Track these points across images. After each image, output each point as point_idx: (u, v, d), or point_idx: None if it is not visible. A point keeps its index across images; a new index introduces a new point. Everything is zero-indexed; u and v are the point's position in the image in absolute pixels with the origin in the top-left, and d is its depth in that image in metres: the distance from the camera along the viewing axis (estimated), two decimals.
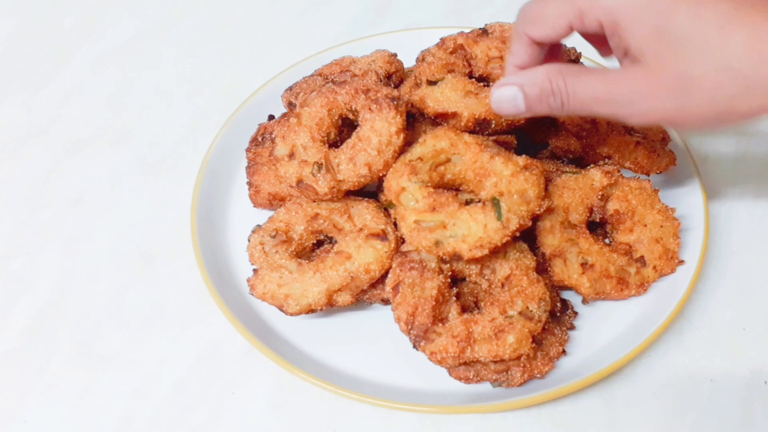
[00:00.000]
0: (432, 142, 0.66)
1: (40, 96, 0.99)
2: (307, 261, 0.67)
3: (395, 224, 0.67)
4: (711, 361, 0.67)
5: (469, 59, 0.76)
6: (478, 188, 0.65)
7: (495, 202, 0.61)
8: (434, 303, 0.61)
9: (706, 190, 0.74)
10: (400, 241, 0.66)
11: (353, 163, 0.65)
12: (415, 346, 0.62)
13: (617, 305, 0.69)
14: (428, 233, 0.61)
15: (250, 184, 0.76)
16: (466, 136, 0.66)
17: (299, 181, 0.66)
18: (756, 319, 0.69)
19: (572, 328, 0.66)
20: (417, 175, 0.63)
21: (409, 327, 0.61)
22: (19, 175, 0.88)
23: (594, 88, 0.54)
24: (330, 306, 0.66)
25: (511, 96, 0.57)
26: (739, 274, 0.73)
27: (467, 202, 0.62)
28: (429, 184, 0.63)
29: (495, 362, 0.61)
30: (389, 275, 0.64)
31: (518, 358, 0.61)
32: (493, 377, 0.62)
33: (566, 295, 0.69)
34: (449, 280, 0.63)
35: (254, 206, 0.77)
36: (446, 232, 0.61)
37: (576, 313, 0.67)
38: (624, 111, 0.54)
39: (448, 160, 0.65)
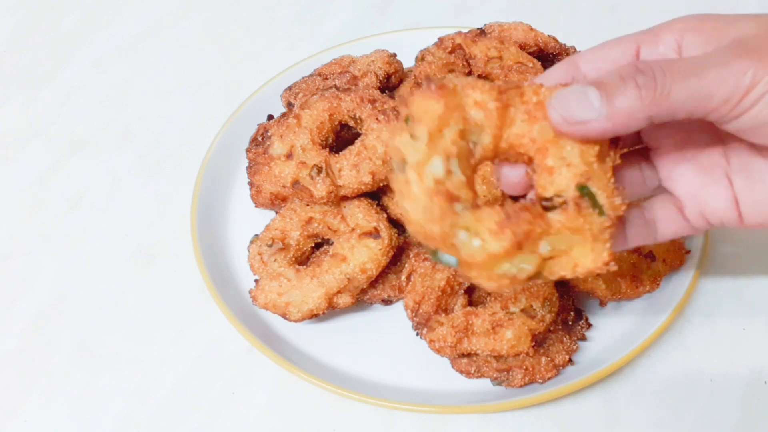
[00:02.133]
0: (439, 135, 0.41)
1: (40, 96, 0.99)
2: (305, 267, 0.67)
3: (389, 219, 0.68)
4: (711, 361, 0.66)
5: (467, 59, 0.76)
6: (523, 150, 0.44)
7: (585, 193, 0.43)
8: (440, 293, 0.62)
9: None
10: (395, 236, 0.67)
11: (357, 170, 0.65)
12: (417, 333, 0.62)
13: (617, 305, 0.69)
14: (525, 278, 0.43)
15: (251, 184, 0.76)
16: (467, 88, 0.42)
17: (295, 182, 0.66)
18: (756, 319, 0.69)
19: (583, 338, 0.66)
20: (460, 201, 0.41)
21: (414, 314, 0.62)
22: (19, 175, 0.89)
23: (691, 61, 0.41)
24: (331, 309, 0.66)
25: (579, 92, 0.41)
26: (739, 274, 0.73)
27: (546, 207, 0.43)
28: (481, 200, 0.42)
29: (497, 360, 0.62)
30: (405, 266, 0.65)
31: (517, 355, 0.61)
32: (494, 375, 0.62)
33: (584, 306, 0.69)
34: None
35: (256, 206, 0.77)
36: (547, 264, 0.43)
37: (590, 325, 0.67)
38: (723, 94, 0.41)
39: (469, 148, 0.43)
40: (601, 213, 0.43)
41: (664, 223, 0.50)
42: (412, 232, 0.42)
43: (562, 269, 0.43)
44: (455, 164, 0.41)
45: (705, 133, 0.49)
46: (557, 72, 0.48)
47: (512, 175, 0.48)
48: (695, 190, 0.49)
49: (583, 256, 0.43)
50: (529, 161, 0.45)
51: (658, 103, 0.41)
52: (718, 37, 0.44)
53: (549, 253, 0.42)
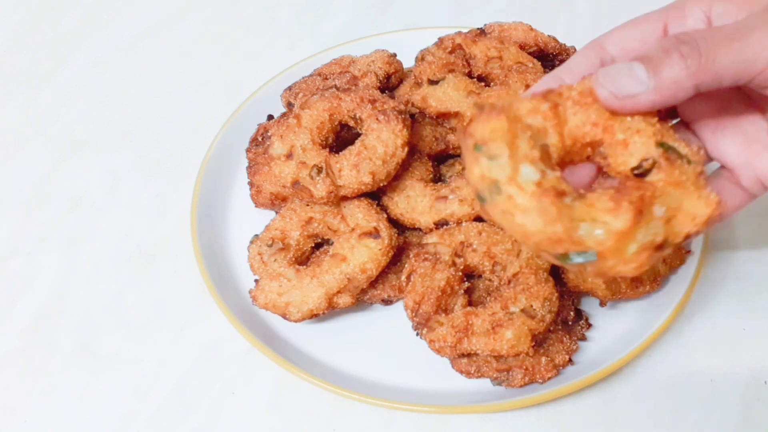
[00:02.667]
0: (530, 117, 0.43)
1: (40, 96, 0.99)
2: (305, 267, 0.67)
3: (389, 219, 0.68)
4: (711, 361, 0.66)
5: (467, 59, 0.76)
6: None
7: (667, 147, 0.44)
8: (440, 293, 0.62)
9: None
10: (395, 235, 0.67)
11: (357, 170, 0.65)
12: (417, 333, 0.62)
13: (617, 305, 0.69)
14: (659, 245, 0.42)
15: (251, 184, 0.76)
16: (515, 102, 0.44)
17: (295, 182, 0.66)
18: (756, 319, 0.69)
19: (583, 338, 0.66)
20: (567, 195, 0.41)
21: (414, 314, 0.62)
22: (19, 175, 0.89)
23: (732, 27, 0.42)
24: (331, 309, 0.66)
25: (625, 67, 0.42)
26: (739, 274, 0.73)
27: (638, 175, 0.44)
28: (578, 190, 0.42)
29: (497, 360, 0.62)
30: (405, 266, 0.65)
31: (517, 355, 0.61)
32: (494, 375, 0.62)
33: (584, 306, 0.69)
34: (460, 273, 0.64)
35: (256, 206, 0.77)
36: (669, 227, 0.43)
37: (590, 325, 0.67)
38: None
39: (547, 150, 0.43)
40: (689, 162, 0.44)
41: (727, 199, 0.50)
42: (534, 247, 0.41)
43: (684, 227, 0.43)
44: (543, 166, 0.41)
45: (740, 102, 0.49)
46: (585, 56, 0.48)
47: (582, 175, 0.48)
48: (745, 158, 0.49)
49: (696, 207, 0.43)
50: (593, 150, 0.45)
51: (705, 71, 0.41)
52: (749, 4, 0.44)
53: (665, 214, 0.42)
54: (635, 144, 0.44)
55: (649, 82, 0.41)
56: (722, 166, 0.50)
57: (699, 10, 0.47)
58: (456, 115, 0.70)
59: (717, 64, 0.41)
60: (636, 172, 0.43)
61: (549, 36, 0.79)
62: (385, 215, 0.68)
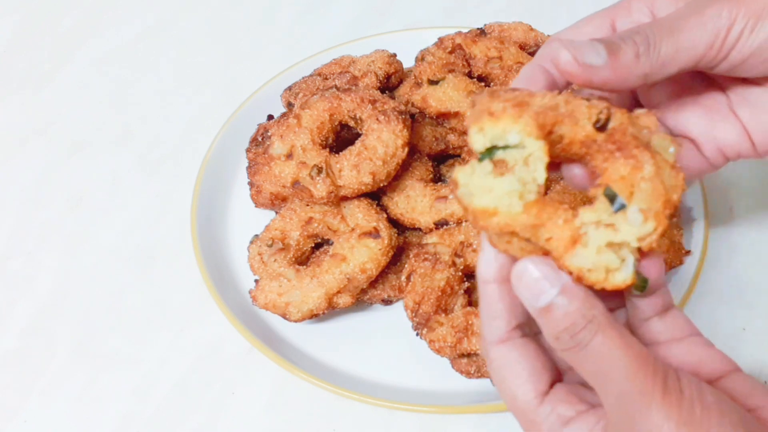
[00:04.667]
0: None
1: (40, 96, 0.99)
2: (305, 267, 0.67)
3: (388, 219, 0.68)
4: None
5: (467, 59, 0.76)
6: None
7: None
8: (440, 294, 0.62)
9: (705, 189, 0.74)
10: (395, 235, 0.67)
11: (357, 170, 0.65)
12: (417, 333, 0.63)
13: None
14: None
15: (251, 184, 0.76)
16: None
17: (295, 182, 0.66)
18: (756, 319, 0.69)
19: None
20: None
21: (414, 314, 0.62)
22: (19, 175, 0.89)
23: (672, 17, 0.45)
24: (331, 309, 0.66)
25: (589, 42, 0.44)
26: (739, 274, 0.73)
27: (600, 126, 0.41)
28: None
29: None
30: (405, 266, 0.65)
31: None
32: None
33: None
34: (460, 273, 0.64)
35: (256, 206, 0.77)
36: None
37: None
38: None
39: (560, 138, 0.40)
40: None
41: (685, 165, 0.50)
42: None
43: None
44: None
45: (701, 83, 0.51)
46: (539, 64, 0.47)
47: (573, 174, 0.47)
48: (706, 129, 0.51)
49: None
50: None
51: (652, 60, 0.44)
52: None
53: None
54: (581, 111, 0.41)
55: (607, 60, 0.43)
56: (685, 137, 0.52)
57: (643, 5, 0.49)
58: (456, 115, 0.70)
59: (662, 55, 0.44)
60: (598, 126, 0.41)
61: (549, 36, 0.79)
62: (385, 215, 0.68)
